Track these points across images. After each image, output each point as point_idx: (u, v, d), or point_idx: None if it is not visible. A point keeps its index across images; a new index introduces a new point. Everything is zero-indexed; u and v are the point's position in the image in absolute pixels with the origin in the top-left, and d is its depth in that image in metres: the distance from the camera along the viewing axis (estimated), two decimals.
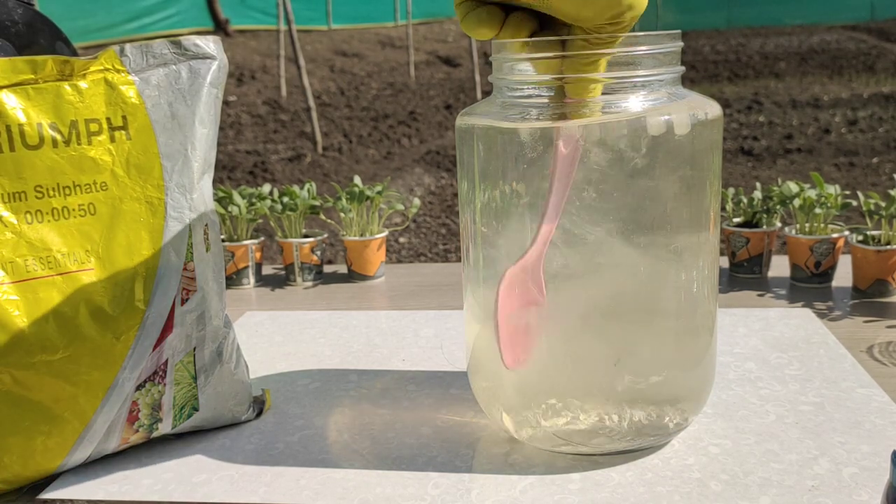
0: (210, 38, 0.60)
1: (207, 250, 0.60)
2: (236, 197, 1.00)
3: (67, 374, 0.54)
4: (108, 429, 0.57)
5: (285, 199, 1.02)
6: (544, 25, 0.50)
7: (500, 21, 0.49)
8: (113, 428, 0.57)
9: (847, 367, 0.69)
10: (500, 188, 0.52)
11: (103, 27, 6.83)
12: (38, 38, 0.60)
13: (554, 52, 0.49)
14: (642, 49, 0.50)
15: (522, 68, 0.52)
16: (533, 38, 0.50)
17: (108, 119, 0.56)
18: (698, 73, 7.07)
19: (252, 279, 1.02)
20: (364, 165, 4.26)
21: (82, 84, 0.55)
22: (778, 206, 0.95)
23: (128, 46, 0.57)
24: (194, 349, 0.59)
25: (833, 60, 7.44)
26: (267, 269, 1.09)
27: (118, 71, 0.56)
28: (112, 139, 0.56)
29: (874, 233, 0.89)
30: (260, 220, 1.02)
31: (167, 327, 0.57)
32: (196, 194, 0.59)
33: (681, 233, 0.52)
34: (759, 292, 0.91)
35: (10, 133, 0.53)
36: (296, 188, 1.03)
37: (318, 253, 1.03)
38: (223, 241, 1.01)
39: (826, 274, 0.92)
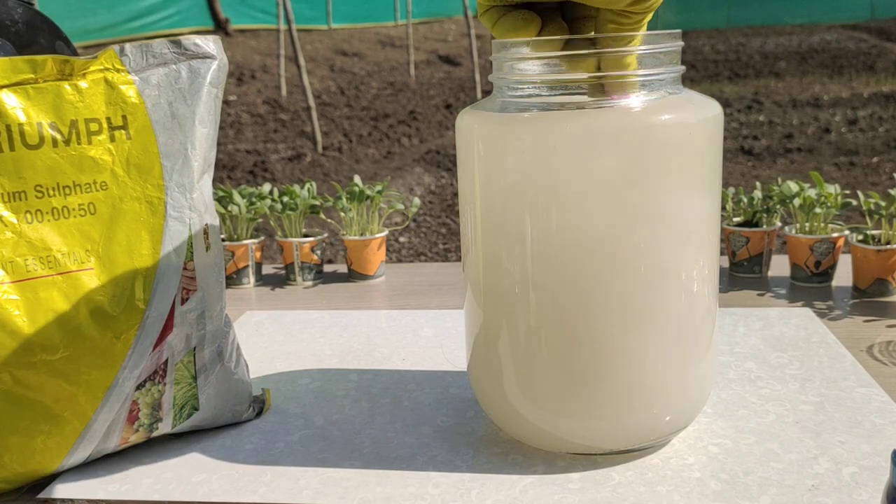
0: (210, 37, 0.60)
1: (207, 250, 0.60)
2: (236, 196, 1.00)
3: (67, 374, 0.54)
4: (108, 428, 0.57)
5: (285, 199, 1.02)
6: (573, 33, 0.51)
7: (537, 27, 0.49)
8: (113, 427, 0.57)
9: (847, 366, 0.69)
10: (501, 188, 0.52)
11: (103, 27, 6.83)
12: (38, 37, 0.60)
13: (589, 51, 0.49)
14: (642, 48, 0.50)
15: (523, 68, 0.52)
16: (569, 36, 0.50)
17: (108, 119, 0.56)
18: (698, 72, 7.07)
19: (252, 279, 1.02)
20: (364, 165, 4.26)
21: (82, 84, 0.55)
22: (778, 206, 0.95)
23: (128, 46, 0.57)
24: (194, 349, 0.59)
25: (833, 60, 7.44)
26: (267, 269, 1.09)
27: (118, 70, 0.56)
28: (112, 139, 0.56)
29: (874, 232, 0.89)
30: (260, 220, 1.02)
31: (167, 327, 0.57)
32: (196, 194, 0.59)
33: (681, 232, 0.52)
34: (759, 292, 0.91)
35: (10, 133, 0.53)
36: (296, 188, 1.03)
37: (318, 252, 1.03)
38: (223, 240, 1.01)
39: (826, 273, 0.92)
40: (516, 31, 0.49)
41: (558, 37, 0.50)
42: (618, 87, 0.50)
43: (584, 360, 0.53)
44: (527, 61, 0.52)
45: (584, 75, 0.50)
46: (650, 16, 0.49)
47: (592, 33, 0.51)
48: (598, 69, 0.50)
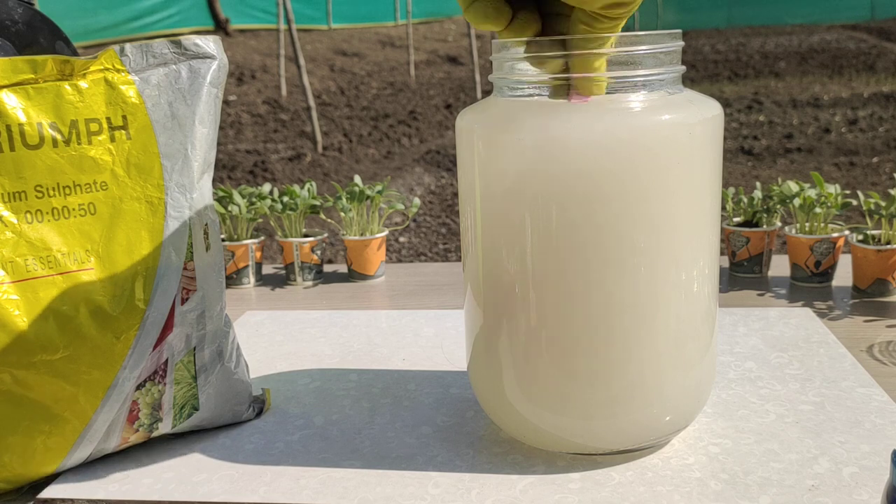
0: (210, 37, 0.60)
1: (207, 250, 0.60)
2: (236, 196, 1.00)
3: (67, 374, 0.54)
4: (108, 428, 0.57)
5: (285, 199, 1.02)
6: (546, 29, 0.50)
7: (507, 17, 0.48)
8: (113, 427, 0.57)
9: (847, 366, 0.69)
10: (501, 187, 0.52)
11: (104, 27, 6.83)
12: (38, 37, 0.60)
13: (558, 52, 0.49)
14: (643, 48, 0.50)
15: (523, 68, 0.52)
16: (536, 38, 0.49)
17: (108, 119, 0.56)
18: (698, 72, 7.07)
19: (252, 279, 1.02)
20: (364, 165, 4.26)
21: (82, 84, 0.55)
22: (778, 206, 0.95)
23: (128, 46, 0.57)
24: (194, 349, 0.59)
25: (833, 60, 7.44)
26: (267, 269, 1.09)
27: (118, 70, 0.56)
28: (112, 139, 0.56)
29: (874, 232, 0.89)
30: (260, 220, 1.02)
31: (167, 327, 0.57)
32: (196, 194, 0.59)
33: (681, 232, 0.52)
34: (759, 292, 0.91)
35: (10, 133, 0.53)
36: (296, 188, 1.03)
37: (318, 252, 1.03)
38: (223, 240, 1.01)
39: (826, 273, 0.92)
40: (486, 19, 0.47)
41: (525, 38, 0.49)
42: (584, 89, 0.50)
43: (584, 360, 0.53)
44: (527, 61, 0.52)
45: (548, 76, 0.50)
46: (623, 22, 0.48)
47: (563, 35, 0.50)
48: (566, 72, 0.50)
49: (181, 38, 0.58)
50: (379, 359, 0.77)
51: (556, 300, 0.52)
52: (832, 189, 0.92)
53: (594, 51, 0.49)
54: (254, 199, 1.02)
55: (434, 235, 3.07)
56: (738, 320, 0.81)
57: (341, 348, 0.80)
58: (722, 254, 1.01)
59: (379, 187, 1.02)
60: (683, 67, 0.53)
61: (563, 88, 0.51)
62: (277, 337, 0.84)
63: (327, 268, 1.09)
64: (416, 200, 1.07)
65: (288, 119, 5.48)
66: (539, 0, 0.50)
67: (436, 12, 11.60)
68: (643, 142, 0.50)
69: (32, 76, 0.54)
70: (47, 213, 0.54)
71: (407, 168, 4.12)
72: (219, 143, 4.46)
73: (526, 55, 0.50)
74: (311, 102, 4.74)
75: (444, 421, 0.63)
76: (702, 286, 0.54)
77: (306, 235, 1.03)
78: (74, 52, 0.61)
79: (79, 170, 0.55)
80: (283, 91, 6.29)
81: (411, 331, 0.83)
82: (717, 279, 0.56)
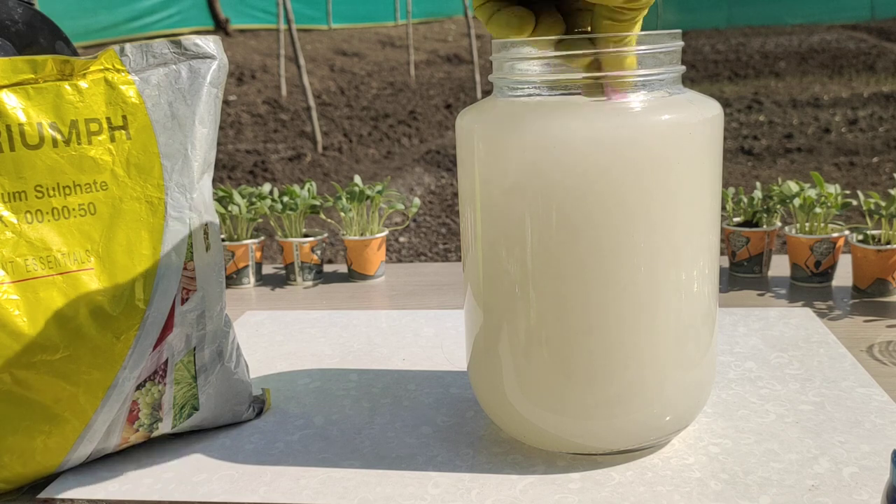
0: (210, 37, 0.60)
1: (207, 250, 0.60)
2: (236, 196, 1.00)
3: (67, 374, 0.54)
4: (108, 428, 0.57)
5: (285, 199, 1.02)
6: (569, 26, 0.51)
7: (531, 24, 0.48)
8: (113, 427, 0.57)
9: (847, 366, 0.69)
10: (501, 188, 0.52)
11: (104, 27, 6.84)
12: (38, 37, 0.60)
13: (588, 49, 0.49)
14: (642, 48, 0.50)
15: (523, 68, 0.52)
16: (566, 37, 0.49)
17: (108, 119, 0.56)
18: (698, 72, 7.07)
19: (252, 279, 1.02)
20: (364, 165, 4.26)
21: (82, 84, 0.55)
22: (778, 206, 0.95)
23: (128, 46, 0.57)
24: (194, 349, 0.59)
25: (833, 60, 7.44)
26: (267, 269, 1.09)
27: (118, 70, 0.56)
28: (112, 139, 0.56)
29: (874, 232, 0.89)
30: (260, 220, 1.02)
31: (167, 327, 0.57)
32: (196, 194, 0.59)
33: (681, 232, 0.52)
34: (759, 292, 0.91)
35: (10, 133, 0.53)
36: (296, 187, 1.03)
37: (318, 252, 1.03)
38: (223, 240, 1.01)
39: (826, 273, 0.92)
40: (510, 28, 0.48)
41: (554, 37, 0.49)
42: (617, 85, 0.50)
43: (583, 360, 0.53)
44: (527, 61, 0.52)
45: (581, 74, 0.50)
46: (645, 11, 0.49)
47: (589, 29, 0.50)
48: (598, 68, 0.50)
49: (181, 38, 0.58)
50: (379, 359, 0.77)
51: (556, 300, 0.52)
52: (832, 189, 0.92)
53: (624, 49, 0.49)
54: (254, 199, 1.02)
55: (434, 235, 3.07)
56: (738, 320, 0.81)
57: (341, 348, 0.80)
58: (722, 254, 1.01)
59: (379, 187, 1.02)
60: (683, 67, 0.53)
61: (598, 86, 0.50)
62: (277, 337, 0.84)
63: (327, 268, 1.09)
64: (416, 200, 1.07)
65: (288, 119, 5.48)
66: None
67: (436, 12, 11.60)
68: (643, 142, 0.50)
69: (32, 76, 0.54)
70: (47, 213, 0.54)
71: (407, 168, 4.12)
72: (219, 143, 4.46)
73: (557, 54, 0.50)
74: (311, 102, 4.74)
75: (444, 421, 0.63)
76: (702, 286, 0.54)
77: (306, 235, 1.03)
78: (74, 52, 0.61)
79: (79, 170, 0.55)
80: (283, 91, 6.29)
81: (411, 331, 0.83)
82: (717, 279, 0.56)
